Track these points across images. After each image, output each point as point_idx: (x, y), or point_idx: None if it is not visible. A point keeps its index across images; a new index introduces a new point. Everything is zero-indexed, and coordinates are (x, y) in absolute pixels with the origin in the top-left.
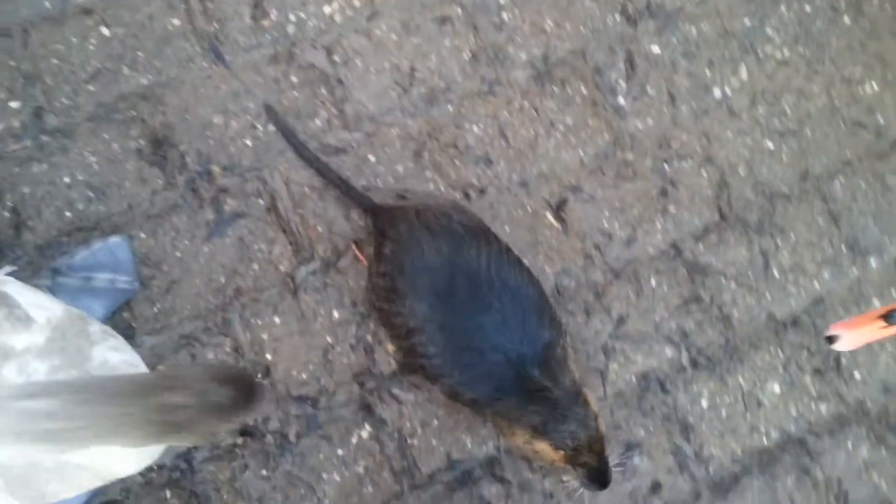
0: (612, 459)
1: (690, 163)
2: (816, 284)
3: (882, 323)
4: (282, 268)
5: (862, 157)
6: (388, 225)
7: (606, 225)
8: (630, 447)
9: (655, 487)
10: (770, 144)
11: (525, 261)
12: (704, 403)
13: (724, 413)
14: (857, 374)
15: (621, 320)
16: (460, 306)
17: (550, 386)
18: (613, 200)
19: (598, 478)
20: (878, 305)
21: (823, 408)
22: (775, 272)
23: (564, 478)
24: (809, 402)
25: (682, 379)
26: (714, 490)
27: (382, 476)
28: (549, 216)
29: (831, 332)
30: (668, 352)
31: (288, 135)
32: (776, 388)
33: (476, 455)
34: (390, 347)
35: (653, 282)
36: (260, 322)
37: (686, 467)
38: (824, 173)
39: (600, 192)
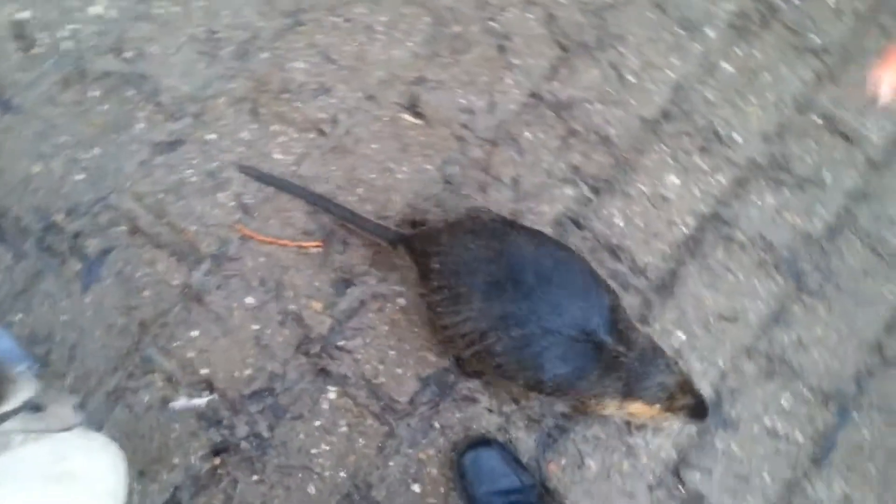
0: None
1: (514, 11)
2: (670, 73)
3: None
4: (174, 282)
5: None
6: (427, 244)
7: (464, 102)
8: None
9: None
10: None
11: (404, 167)
12: (619, 222)
13: (640, 222)
14: (736, 137)
15: (515, 182)
16: (526, 293)
17: (624, 350)
18: (460, 76)
19: (700, 412)
20: (727, 68)
21: (721, 178)
22: (630, 78)
23: (665, 424)
24: (707, 178)
25: (591, 209)
26: (660, 292)
27: (367, 424)
28: (408, 116)
29: (871, 81)
30: (569, 191)
31: (289, 188)
32: (675, 180)
33: (441, 364)
34: (315, 305)
35: (528, 135)
36: (178, 343)
37: (628, 285)
38: None
39: (445, 74)
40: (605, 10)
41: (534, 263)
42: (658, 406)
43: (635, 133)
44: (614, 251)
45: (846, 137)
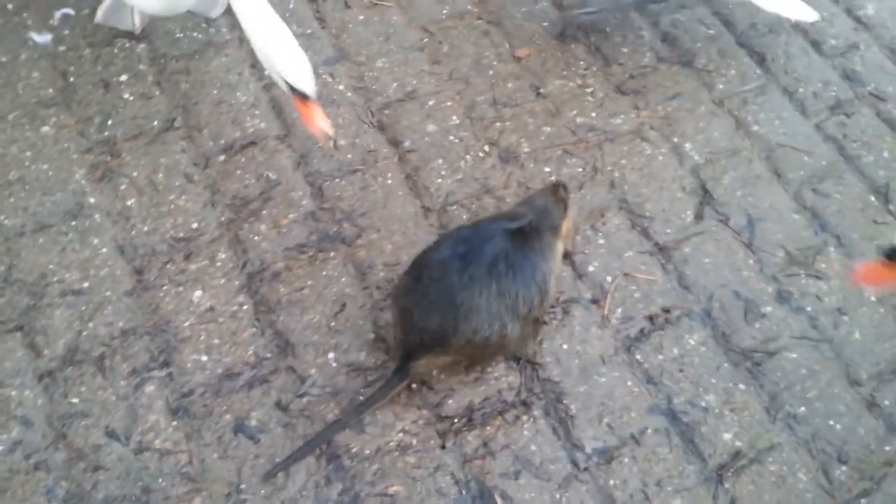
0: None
1: None
2: None
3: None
4: None
5: None
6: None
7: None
8: None
9: None
10: None
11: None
12: None
13: None
14: None
15: None
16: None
17: (526, 218)
18: None
19: (561, 185)
20: None
21: None
22: None
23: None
24: None
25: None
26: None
27: None
28: None
29: (854, 282)
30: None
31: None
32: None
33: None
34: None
35: None
36: None
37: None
38: None
39: None
40: None
41: (464, 252)
42: (566, 216)
43: None
44: None
45: None
